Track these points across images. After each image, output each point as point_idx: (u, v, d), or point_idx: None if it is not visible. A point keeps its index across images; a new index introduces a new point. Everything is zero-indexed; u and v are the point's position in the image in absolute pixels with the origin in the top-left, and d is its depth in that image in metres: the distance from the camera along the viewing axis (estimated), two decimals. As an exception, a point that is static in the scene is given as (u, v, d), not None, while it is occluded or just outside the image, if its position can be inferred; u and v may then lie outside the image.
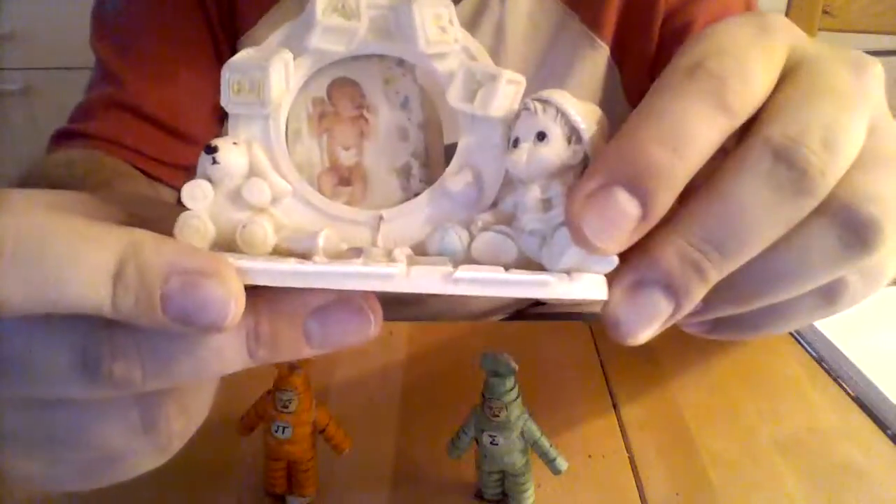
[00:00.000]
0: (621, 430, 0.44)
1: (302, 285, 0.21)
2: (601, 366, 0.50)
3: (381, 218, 0.24)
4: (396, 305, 0.67)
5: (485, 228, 0.23)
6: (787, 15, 0.86)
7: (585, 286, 0.21)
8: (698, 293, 0.21)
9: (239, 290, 0.20)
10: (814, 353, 0.51)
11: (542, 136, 0.22)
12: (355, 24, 0.23)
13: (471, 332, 0.54)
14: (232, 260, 0.21)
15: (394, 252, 0.22)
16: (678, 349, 0.51)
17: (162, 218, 0.23)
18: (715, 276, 0.21)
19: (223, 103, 0.23)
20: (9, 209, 0.20)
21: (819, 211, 0.21)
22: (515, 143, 0.23)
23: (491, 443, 0.36)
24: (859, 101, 0.21)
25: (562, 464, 0.37)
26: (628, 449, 0.42)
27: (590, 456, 0.42)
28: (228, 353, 0.21)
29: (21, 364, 0.20)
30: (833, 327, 0.51)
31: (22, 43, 1.25)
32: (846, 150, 0.20)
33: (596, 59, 0.60)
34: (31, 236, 0.19)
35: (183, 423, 0.24)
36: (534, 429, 0.37)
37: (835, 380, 0.48)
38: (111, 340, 0.20)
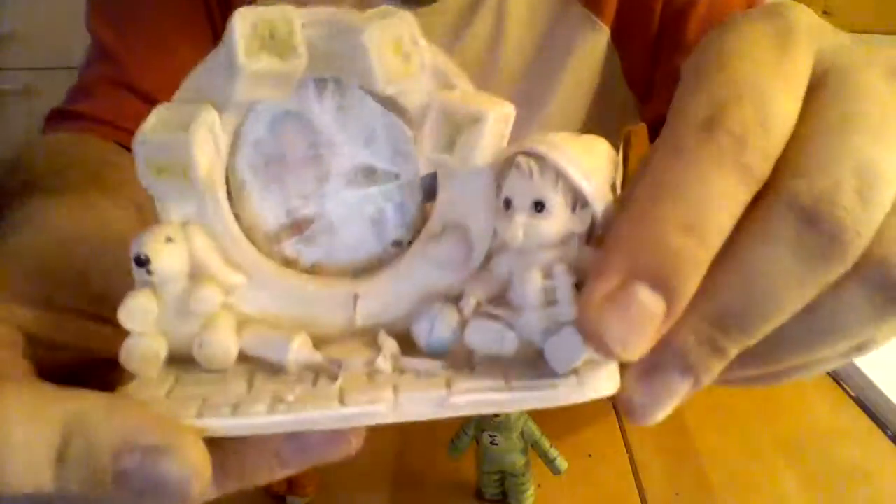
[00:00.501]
0: (621, 430, 0.44)
1: (277, 432, 0.19)
2: (601, 366, 0.50)
3: (356, 297, 0.21)
4: None
5: (478, 309, 0.20)
6: (787, 15, 0.86)
7: (598, 386, 0.19)
8: (716, 370, 0.19)
9: (202, 463, 0.18)
10: (814, 353, 0.51)
11: (540, 207, 0.18)
12: (291, 64, 0.18)
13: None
14: (194, 422, 0.18)
15: (377, 361, 0.20)
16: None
17: (117, 264, 0.21)
18: (734, 352, 0.19)
19: (143, 184, 0.20)
20: None
21: (851, 270, 0.18)
22: (507, 204, 0.19)
23: (491, 443, 0.36)
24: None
25: (562, 464, 0.37)
26: (628, 449, 0.42)
27: (590, 456, 0.42)
28: (196, 493, 0.19)
29: None
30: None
31: (22, 43, 1.25)
32: (884, 195, 0.17)
33: (596, 42, 0.60)
34: None
35: None
36: (534, 429, 0.37)
37: (835, 380, 0.48)
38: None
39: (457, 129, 0.19)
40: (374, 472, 0.41)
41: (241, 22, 0.18)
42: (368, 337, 0.21)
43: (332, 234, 0.21)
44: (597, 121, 0.62)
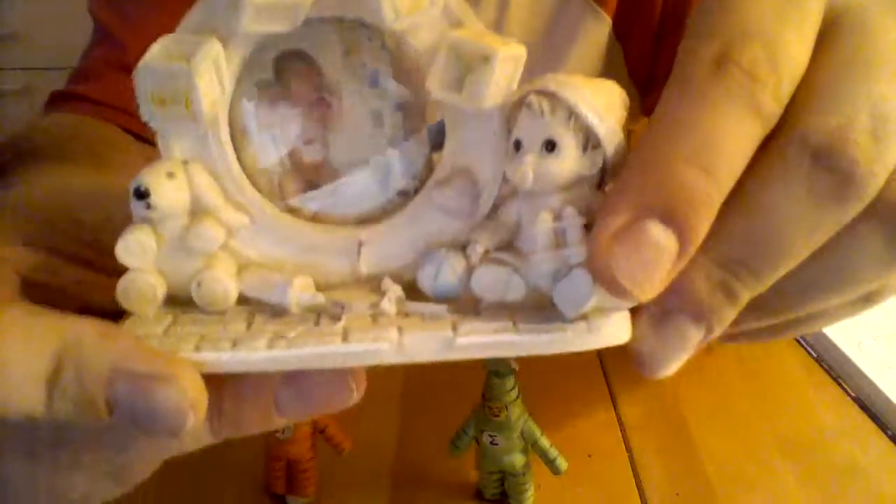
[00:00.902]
0: (621, 430, 0.44)
1: (277, 370, 0.18)
2: (601, 366, 0.50)
3: (360, 243, 0.21)
4: None
5: (485, 255, 0.19)
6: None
7: (608, 332, 0.18)
8: (729, 317, 0.18)
9: (198, 395, 0.18)
10: (814, 353, 0.51)
11: (551, 146, 0.18)
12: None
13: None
14: (191, 355, 0.18)
15: (381, 303, 0.19)
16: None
17: (109, 218, 0.20)
18: (747, 298, 0.18)
19: (144, 118, 0.19)
20: None
21: (865, 211, 0.17)
22: (517, 146, 0.18)
23: (491, 443, 0.36)
24: None
25: (562, 464, 0.37)
26: (628, 449, 0.42)
27: (590, 456, 0.42)
28: (188, 436, 0.19)
29: None
30: (833, 327, 0.51)
31: (22, 43, 1.25)
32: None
33: (599, 32, 0.60)
34: None
35: (143, 468, 0.23)
36: (534, 429, 0.37)
37: (835, 380, 0.48)
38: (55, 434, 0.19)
39: (466, 67, 0.18)
40: (374, 472, 0.41)
41: None
42: (372, 284, 0.20)
43: (336, 182, 0.21)
44: None
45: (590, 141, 0.18)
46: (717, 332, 0.19)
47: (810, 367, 0.50)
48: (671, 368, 0.19)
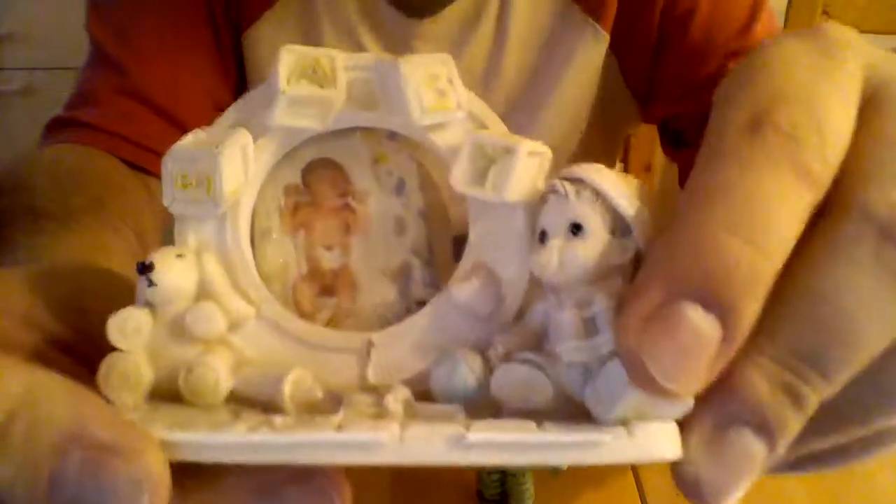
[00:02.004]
0: (621, 430, 0.44)
1: (259, 461, 0.15)
2: (601, 366, 0.50)
3: (370, 343, 0.19)
4: None
5: (507, 357, 0.17)
6: (786, 15, 0.86)
7: (652, 443, 0.15)
8: (796, 426, 0.15)
9: (159, 473, 0.15)
10: (814, 353, 0.51)
11: (577, 229, 0.16)
12: (330, 93, 0.18)
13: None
14: (161, 433, 0.15)
15: (386, 399, 0.17)
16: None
17: (112, 297, 0.19)
18: (815, 402, 0.15)
19: (166, 203, 0.18)
20: None
21: None
22: (542, 237, 0.17)
23: None
24: None
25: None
26: (628, 449, 0.42)
27: (590, 456, 0.42)
28: None
29: None
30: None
31: (22, 43, 1.25)
32: None
33: (597, 48, 0.60)
34: None
35: None
36: None
37: (835, 380, 0.48)
38: None
39: (490, 161, 0.18)
40: (374, 472, 0.41)
41: (287, 54, 0.19)
42: (380, 392, 0.18)
43: (355, 290, 0.20)
44: (598, 125, 0.62)
45: (618, 225, 0.16)
46: (782, 446, 0.15)
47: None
48: (736, 496, 0.16)
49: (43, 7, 1.23)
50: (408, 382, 0.18)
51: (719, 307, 0.14)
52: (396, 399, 0.17)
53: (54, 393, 0.15)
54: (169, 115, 0.51)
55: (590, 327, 0.16)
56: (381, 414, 0.17)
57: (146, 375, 0.18)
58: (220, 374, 0.18)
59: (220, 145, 0.18)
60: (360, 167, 0.20)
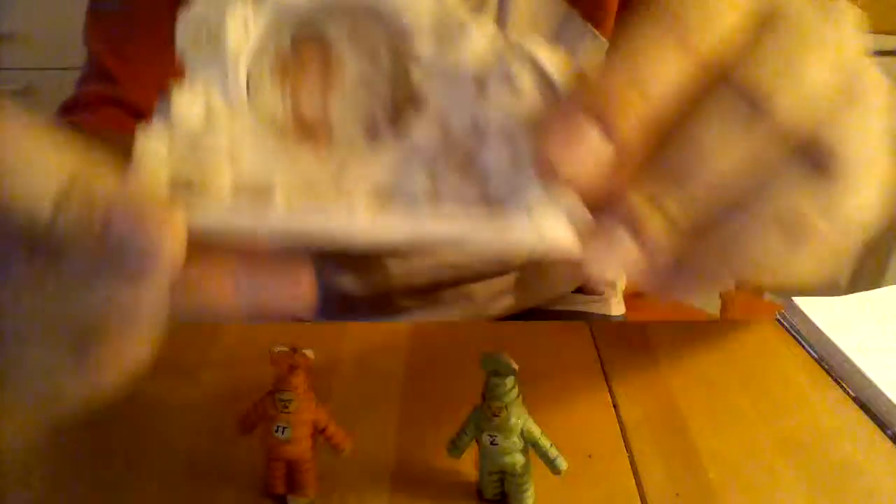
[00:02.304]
0: (621, 430, 0.44)
1: (255, 226, 0.21)
2: (601, 366, 0.50)
3: (344, 167, 0.23)
4: (398, 311, 0.68)
5: (451, 180, 0.22)
6: (787, 15, 0.86)
7: (546, 227, 0.21)
8: (658, 225, 0.21)
9: (178, 244, 0.20)
10: (814, 353, 0.51)
11: (515, 88, 0.22)
12: None
13: (471, 332, 0.55)
14: (184, 209, 0.20)
15: (353, 198, 0.22)
16: (678, 349, 0.51)
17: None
18: (674, 210, 0.21)
19: (180, 53, 0.23)
20: None
21: (781, 145, 0.21)
22: (485, 93, 0.22)
23: (491, 443, 0.36)
24: (830, 48, 0.22)
25: (562, 464, 0.37)
26: (628, 449, 0.42)
27: (590, 456, 0.42)
28: (149, 291, 0.21)
29: None
30: (833, 327, 0.51)
31: (22, 43, 1.25)
32: (811, 89, 0.21)
33: (596, 55, 0.61)
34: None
35: (104, 347, 0.23)
36: (534, 429, 0.37)
37: (835, 380, 0.48)
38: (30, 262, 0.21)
39: (447, 33, 0.23)
40: (374, 472, 0.41)
41: None
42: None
43: (331, 136, 0.24)
44: None
45: (546, 87, 0.22)
46: (649, 242, 0.21)
47: (810, 367, 0.50)
48: (607, 271, 0.22)
49: (43, 7, 1.24)
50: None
51: (610, 128, 0.20)
52: (362, 197, 0.22)
53: (104, 171, 0.21)
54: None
55: (516, 164, 0.22)
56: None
57: (166, 167, 0.22)
58: (225, 171, 0.22)
59: (224, 9, 0.23)
60: (340, 37, 0.24)
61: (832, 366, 0.50)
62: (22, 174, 0.20)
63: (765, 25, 0.22)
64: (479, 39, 0.23)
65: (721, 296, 0.99)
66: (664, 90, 0.21)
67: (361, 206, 0.22)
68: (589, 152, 0.20)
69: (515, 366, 0.35)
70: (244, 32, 0.23)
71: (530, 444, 0.37)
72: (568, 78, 0.22)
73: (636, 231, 0.21)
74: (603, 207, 0.21)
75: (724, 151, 0.21)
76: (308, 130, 0.24)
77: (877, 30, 0.97)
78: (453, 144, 0.23)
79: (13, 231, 0.21)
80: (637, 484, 0.40)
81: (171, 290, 0.21)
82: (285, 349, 0.36)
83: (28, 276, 0.21)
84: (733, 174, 0.21)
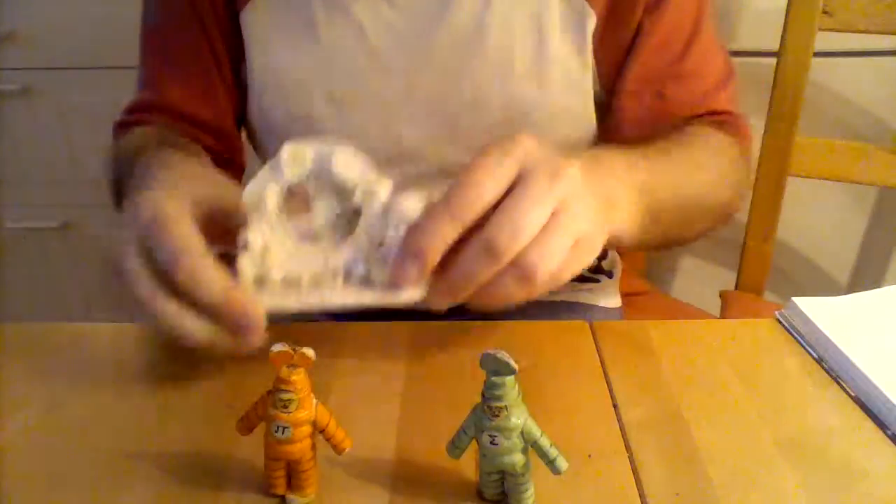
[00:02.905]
0: (621, 430, 0.44)
1: (294, 303, 0.43)
2: (601, 366, 0.50)
3: (326, 257, 0.44)
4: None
5: (374, 263, 0.44)
6: (786, 15, 0.86)
7: (406, 295, 0.43)
8: (486, 272, 0.40)
9: (260, 318, 0.41)
10: (814, 354, 0.51)
11: (399, 220, 0.43)
12: (305, 168, 0.45)
13: (471, 331, 0.54)
14: (261, 297, 0.43)
15: (334, 283, 0.44)
16: (678, 349, 0.51)
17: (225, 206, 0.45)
18: (501, 260, 0.40)
19: (246, 211, 0.44)
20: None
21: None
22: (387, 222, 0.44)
23: (491, 443, 0.36)
24: (548, 199, 0.40)
25: (562, 464, 0.37)
26: (628, 449, 0.42)
27: (590, 456, 0.42)
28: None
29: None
30: (833, 327, 0.51)
31: (22, 43, 1.24)
32: (527, 232, 0.39)
33: (585, 25, 0.62)
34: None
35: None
36: (534, 429, 0.37)
37: (835, 380, 0.48)
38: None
39: (367, 191, 0.44)
40: (374, 471, 0.41)
41: (286, 150, 0.44)
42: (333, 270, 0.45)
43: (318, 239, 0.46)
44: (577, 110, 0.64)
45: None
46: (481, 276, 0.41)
47: (810, 367, 0.50)
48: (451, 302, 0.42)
49: (43, 7, 1.23)
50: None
51: (415, 257, 0.41)
52: (338, 279, 0.44)
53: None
54: (190, 118, 0.67)
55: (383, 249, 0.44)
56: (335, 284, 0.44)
57: (250, 273, 0.44)
58: (274, 276, 0.44)
59: (265, 190, 0.44)
60: (315, 190, 0.45)
61: (832, 366, 0.50)
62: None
63: (513, 190, 0.40)
64: (383, 195, 0.44)
65: (721, 296, 0.99)
66: (437, 245, 0.40)
67: (339, 286, 0.44)
68: (410, 267, 0.41)
69: (516, 366, 0.35)
70: (274, 196, 0.44)
71: (530, 444, 0.37)
72: (422, 210, 0.42)
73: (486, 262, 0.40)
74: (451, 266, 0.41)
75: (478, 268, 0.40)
76: (306, 234, 0.45)
77: (877, 30, 0.96)
78: (375, 248, 0.44)
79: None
80: (637, 484, 0.40)
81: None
82: (285, 349, 0.36)
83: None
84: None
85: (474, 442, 0.38)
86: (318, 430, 0.38)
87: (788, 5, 0.86)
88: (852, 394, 0.47)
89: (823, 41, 0.86)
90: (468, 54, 0.61)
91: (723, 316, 0.96)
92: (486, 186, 0.39)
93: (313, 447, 0.38)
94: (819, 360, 0.51)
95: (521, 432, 0.36)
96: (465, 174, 0.40)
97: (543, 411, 0.43)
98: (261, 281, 0.43)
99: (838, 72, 1.06)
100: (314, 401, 0.38)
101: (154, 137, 0.62)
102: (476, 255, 0.39)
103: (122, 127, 0.68)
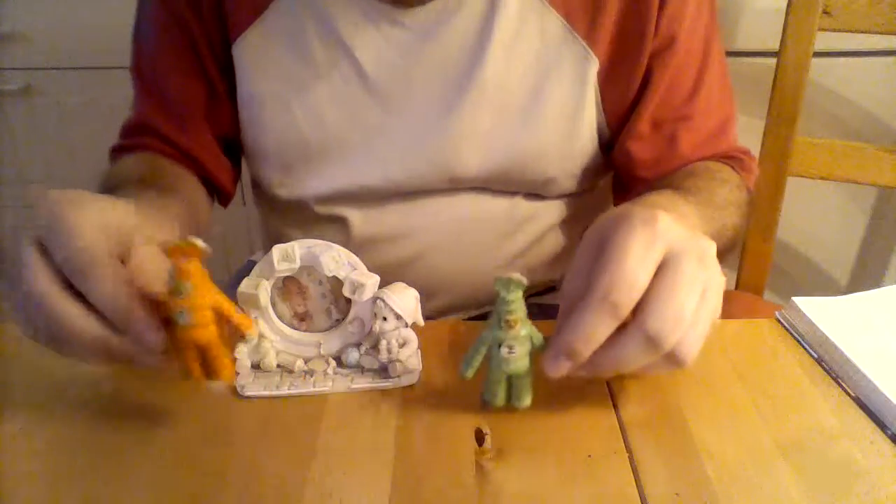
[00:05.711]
0: (621, 430, 0.44)
1: (287, 388, 0.48)
2: (601, 366, 0.50)
3: (319, 344, 0.50)
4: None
5: (365, 351, 0.49)
6: (786, 15, 0.86)
7: (406, 379, 0.48)
8: (648, 358, 0.40)
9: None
10: (814, 353, 0.51)
11: (385, 318, 0.47)
12: (294, 265, 0.47)
13: (471, 331, 0.54)
14: (256, 382, 0.48)
15: (327, 369, 0.49)
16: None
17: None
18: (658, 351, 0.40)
19: (240, 304, 0.47)
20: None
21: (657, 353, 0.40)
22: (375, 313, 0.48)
23: (509, 352, 0.41)
24: (698, 284, 0.40)
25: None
26: (628, 449, 0.42)
27: (590, 456, 0.42)
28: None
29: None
30: (833, 327, 0.51)
31: (22, 43, 1.24)
32: (686, 324, 0.39)
33: (587, 70, 0.62)
34: None
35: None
36: (537, 333, 0.42)
37: (835, 380, 0.48)
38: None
39: (356, 284, 0.47)
40: (374, 472, 0.41)
41: (276, 251, 0.47)
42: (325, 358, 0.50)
43: (311, 319, 0.50)
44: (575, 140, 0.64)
45: (400, 319, 0.48)
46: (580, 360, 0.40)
47: (810, 367, 0.50)
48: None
49: (43, 7, 1.23)
50: (334, 354, 0.50)
51: (571, 357, 0.40)
52: (330, 367, 0.49)
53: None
54: (174, 143, 0.67)
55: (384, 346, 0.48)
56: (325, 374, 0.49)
57: (247, 360, 0.49)
58: (272, 358, 0.49)
59: (258, 288, 0.48)
60: (306, 280, 0.49)
61: (832, 366, 0.50)
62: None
63: (663, 274, 0.39)
64: (370, 290, 0.47)
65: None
66: (592, 346, 0.40)
67: (331, 373, 0.49)
68: (563, 367, 0.41)
69: (525, 281, 0.40)
70: (267, 294, 0.48)
71: (537, 347, 0.41)
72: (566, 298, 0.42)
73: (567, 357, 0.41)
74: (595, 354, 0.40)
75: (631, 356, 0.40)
76: (301, 318, 0.50)
77: (877, 30, 0.96)
78: (365, 328, 0.49)
79: None
80: (637, 484, 0.40)
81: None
82: (177, 242, 0.39)
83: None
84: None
85: (472, 443, 0.38)
86: (223, 317, 0.41)
87: (788, 5, 0.86)
88: (852, 394, 0.47)
89: (823, 41, 0.86)
90: (465, 89, 0.61)
91: (723, 316, 0.96)
92: (640, 277, 0.38)
93: (221, 334, 0.41)
94: (819, 360, 0.50)
95: (530, 338, 0.42)
96: (617, 262, 0.38)
97: (543, 412, 0.43)
98: (257, 367, 0.49)
99: (838, 72, 1.05)
100: (213, 288, 0.40)
101: (137, 172, 0.63)
102: (637, 344, 0.39)
103: (116, 152, 0.69)
